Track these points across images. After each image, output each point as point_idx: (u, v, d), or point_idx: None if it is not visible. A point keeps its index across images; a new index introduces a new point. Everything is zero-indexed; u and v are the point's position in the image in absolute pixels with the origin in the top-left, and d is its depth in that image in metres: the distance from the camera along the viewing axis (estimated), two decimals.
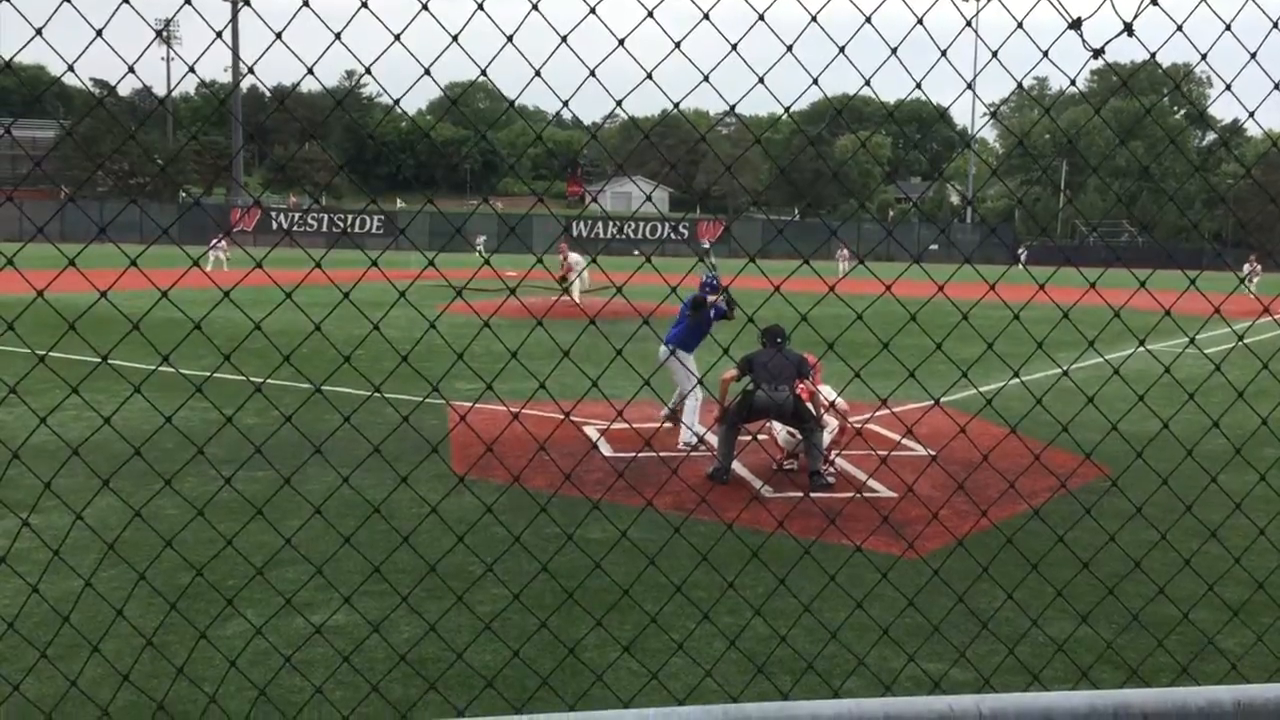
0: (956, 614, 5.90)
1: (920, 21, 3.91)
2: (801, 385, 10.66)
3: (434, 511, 3.19)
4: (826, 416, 10.69)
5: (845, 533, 7.05)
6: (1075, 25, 3.87)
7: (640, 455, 10.42)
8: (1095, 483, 9.21)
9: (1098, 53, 4.00)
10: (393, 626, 5.72)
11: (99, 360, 7.25)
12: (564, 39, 3.56)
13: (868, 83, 3.95)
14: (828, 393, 10.91)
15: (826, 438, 10.64)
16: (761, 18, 3.70)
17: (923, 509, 8.36)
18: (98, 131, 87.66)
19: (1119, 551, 5.62)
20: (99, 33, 3.20)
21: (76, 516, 2.98)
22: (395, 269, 4.27)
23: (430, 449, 3.33)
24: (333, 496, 6.28)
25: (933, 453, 9.58)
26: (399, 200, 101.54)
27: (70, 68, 3.07)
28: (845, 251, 55.41)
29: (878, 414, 12.30)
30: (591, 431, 11.46)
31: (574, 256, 30.62)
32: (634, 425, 8.63)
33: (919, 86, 3.94)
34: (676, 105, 3.44)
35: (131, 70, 3.16)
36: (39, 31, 3.18)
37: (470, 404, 10.21)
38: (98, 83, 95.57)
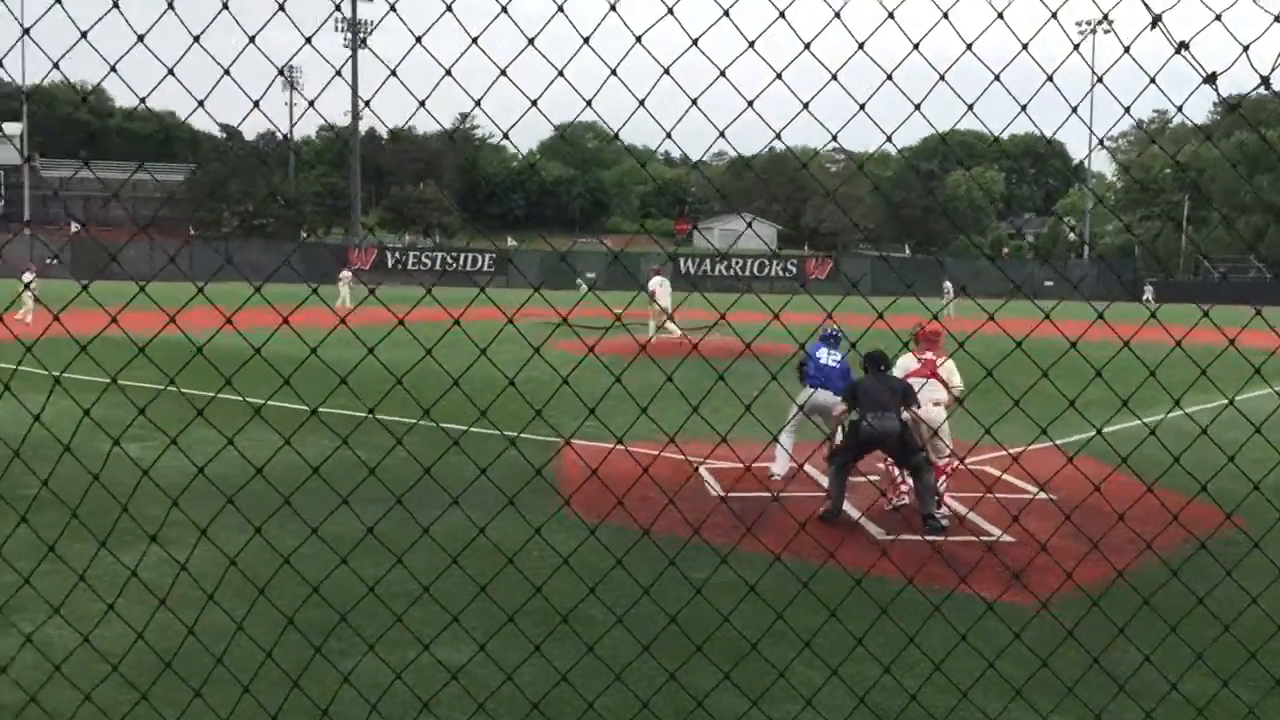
0: (1070, 662, 5.65)
1: (1024, 47, 3.78)
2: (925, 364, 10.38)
3: (565, 563, 3.15)
4: (938, 442, 10.42)
5: (970, 584, 6.82)
6: (1182, 48, 3.71)
7: (753, 496, 10.28)
8: (1227, 533, 8.79)
9: (1210, 78, 3.82)
10: (513, 668, 5.69)
11: (219, 397, 7.42)
12: (665, 70, 3.53)
13: (970, 108, 3.84)
14: (951, 371, 10.51)
15: (942, 463, 10.30)
16: (861, 47, 3.62)
17: (1040, 555, 8.06)
18: (224, 174, 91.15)
19: (1256, 608, 5.33)
20: (226, 71, 3.27)
21: (230, 562, 3.01)
22: (508, 307, 4.28)
23: (560, 498, 3.30)
24: (449, 536, 6.30)
25: (1053, 496, 9.28)
26: (510, 239, 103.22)
27: (199, 103, 3.15)
28: (949, 285, 54.33)
29: (991, 455, 11.97)
30: (703, 471, 11.37)
31: (655, 282, 29.69)
32: (748, 466, 8.51)
33: (1023, 110, 3.81)
34: (778, 134, 3.38)
35: (257, 105, 3.22)
36: (140, 40, 3.26)
37: (583, 443, 10.21)
38: (224, 128, 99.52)
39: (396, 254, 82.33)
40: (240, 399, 5.78)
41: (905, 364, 10.45)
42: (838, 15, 3.45)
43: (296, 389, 3.82)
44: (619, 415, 10.64)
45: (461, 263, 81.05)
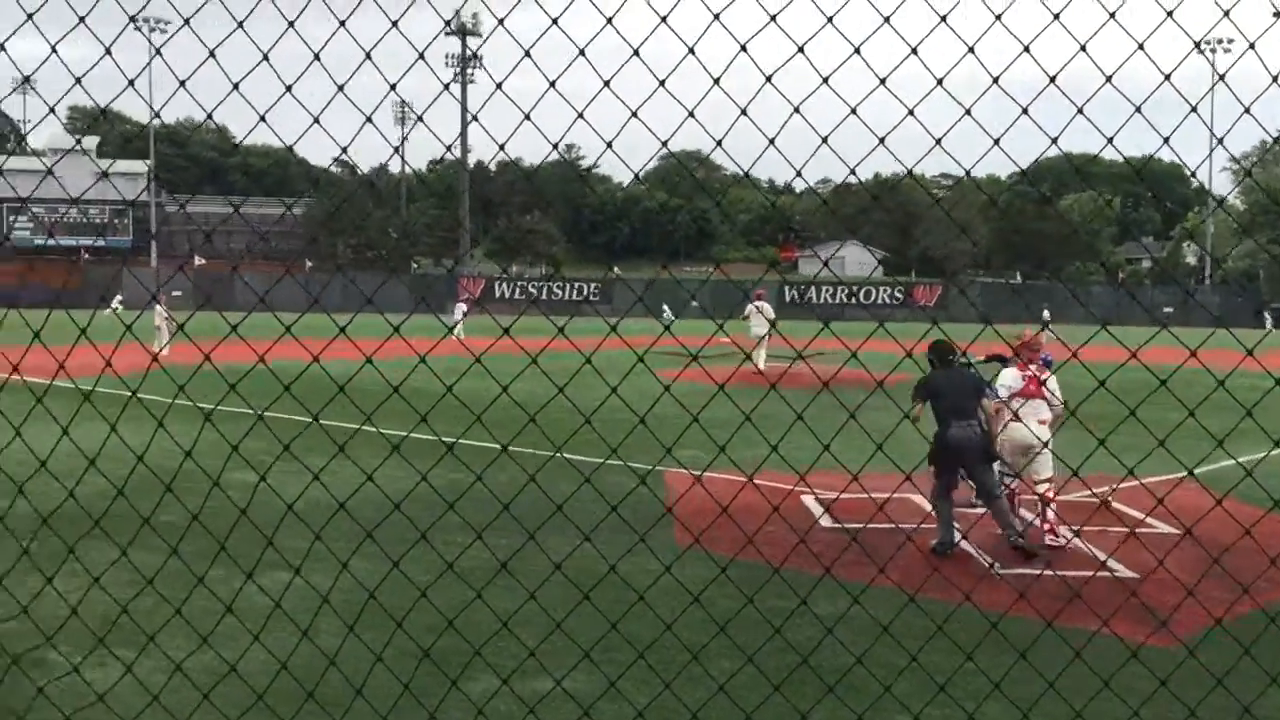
0: (1218, 709, 5.41)
1: (1152, 57, 3.68)
2: (1029, 380, 10.03)
3: (696, 600, 3.14)
4: (1040, 461, 9.93)
5: (1108, 625, 6.59)
6: None
7: (866, 527, 10.11)
8: None
9: None
10: (628, 697, 5.69)
11: (344, 426, 7.60)
12: (770, 82, 3.54)
13: (1083, 114, 3.73)
14: (1054, 388, 9.98)
15: (1044, 486, 9.88)
16: (983, 63, 3.58)
17: (1169, 592, 7.78)
18: (339, 209, 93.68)
19: None
20: (340, 87, 3.37)
21: (370, 595, 3.08)
22: (612, 336, 4.29)
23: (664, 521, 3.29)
24: (534, 562, 6.33)
25: (1185, 528, 8.92)
26: (614, 268, 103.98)
27: (320, 118, 3.24)
28: (1047, 312, 52.81)
29: (1119, 487, 11.59)
30: (811, 502, 11.24)
31: (750, 308, 28.72)
32: (870, 496, 8.40)
33: (1165, 142, 3.69)
34: (883, 139, 3.34)
35: (371, 126, 3.31)
36: (289, 90, 3.36)
37: (694, 473, 10.16)
38: (339, 163, 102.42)
39: (504, 284, 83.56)
40: (371, 429, 5.91)
41: (1010, 381, 10.14)
42: (944, 20, 3.41)
43: (424, 421, 3.89)
44: (733, 448, 10.61)
45: (567, 292, 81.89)
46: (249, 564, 7.74)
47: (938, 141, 3.75)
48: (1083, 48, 3.60)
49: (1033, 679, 5.41)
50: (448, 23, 4.03)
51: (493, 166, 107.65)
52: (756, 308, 28.21)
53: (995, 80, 3.69)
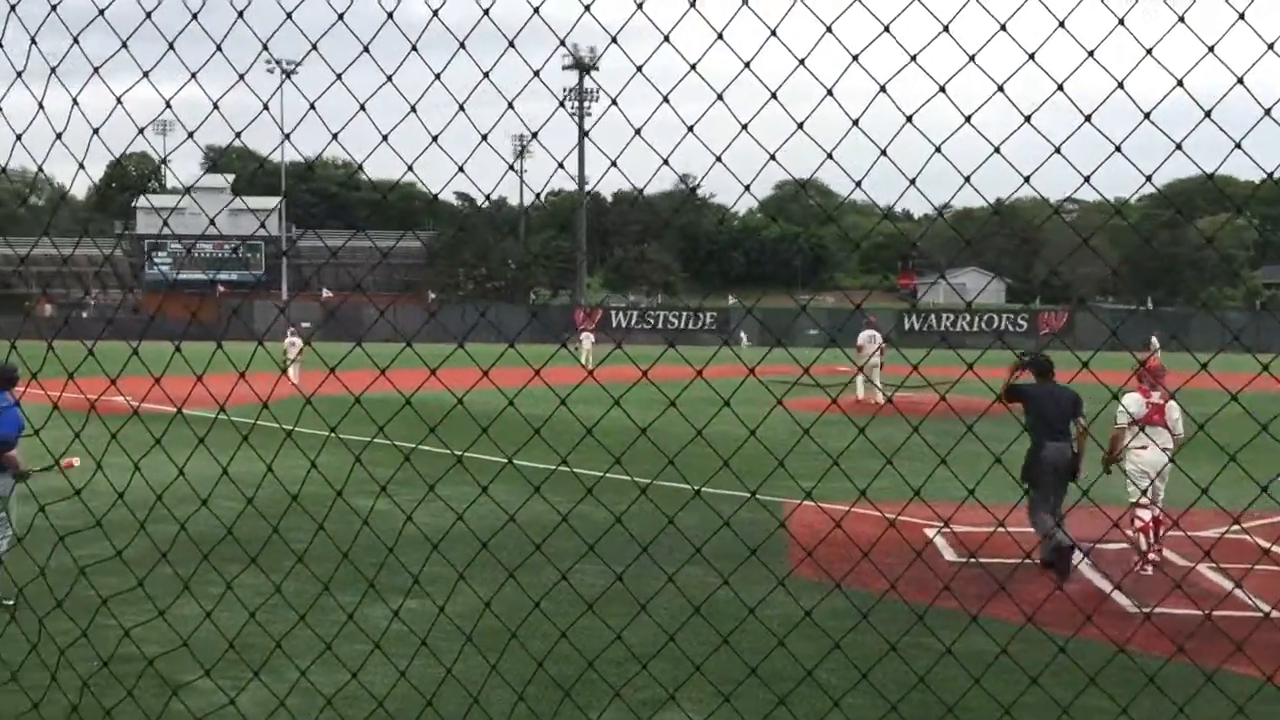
0: None
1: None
2: (1151, 403, 10.10)
3: (808, 616, 3.09)
4: (1158, 486, 9.92)
5: (1239, 662, 6.28)
6: None
7: (994, 561, 9.85)
8: None
9: None
10: None
11: (465, 454, 7.70)
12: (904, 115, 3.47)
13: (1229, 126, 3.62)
14: (1177, 414, 10.00)
15: (1144, 515, 9.81)
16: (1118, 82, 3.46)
17: None
18: (460, 240, 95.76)
19: None
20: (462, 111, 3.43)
21: (485, 605, 3.10)
22: (728, 364, 4.27)
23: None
24: (663, 596, 6.29)
25: None
26: (730, 297, 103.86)
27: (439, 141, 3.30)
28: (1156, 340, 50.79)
29: (1258, 523, 11.07)
30: (931, 533, 11.00)
31: (863, 337, 27.87)
32: (1007, 529, 8.18)
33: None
34: (1001, 150, 3.25)
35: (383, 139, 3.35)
36: (415, 116, 3.44)
37: (808, 503, 10.03)
38: (460, 195, 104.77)
39: (620, 314, 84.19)
40: (485, 457, 5.98)
41: (1133, 406, 10.13)
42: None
43: (540, 445, 3.92)
44: (842, 477, 10.46)
45: (683, 321, 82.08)
46: (380, 590, 7.90)
47: (1086, 179, 3.65)
48: (1241, 79, 3.47)
49: (1158, 715, 5.17)
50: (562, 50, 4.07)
51: (609, 197, 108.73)
52: (867, 338, 27.30)
53: (1147, 115, 3.58)
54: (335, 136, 3.18)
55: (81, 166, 3.57)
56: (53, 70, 3.38)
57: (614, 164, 3.80)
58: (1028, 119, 3.35)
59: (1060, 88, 3.38)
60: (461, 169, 3.30)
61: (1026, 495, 9.65)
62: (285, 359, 29.82)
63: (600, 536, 4.85)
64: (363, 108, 3.17)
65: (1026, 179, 3.46)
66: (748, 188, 3.37)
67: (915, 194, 3.71)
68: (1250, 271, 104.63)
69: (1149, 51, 3.29)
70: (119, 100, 3.43)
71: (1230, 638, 5.58)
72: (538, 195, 3.33)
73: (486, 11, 3.43)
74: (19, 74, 3.25)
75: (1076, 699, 5.39)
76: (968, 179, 3.41)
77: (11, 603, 8.59)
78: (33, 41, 3.34)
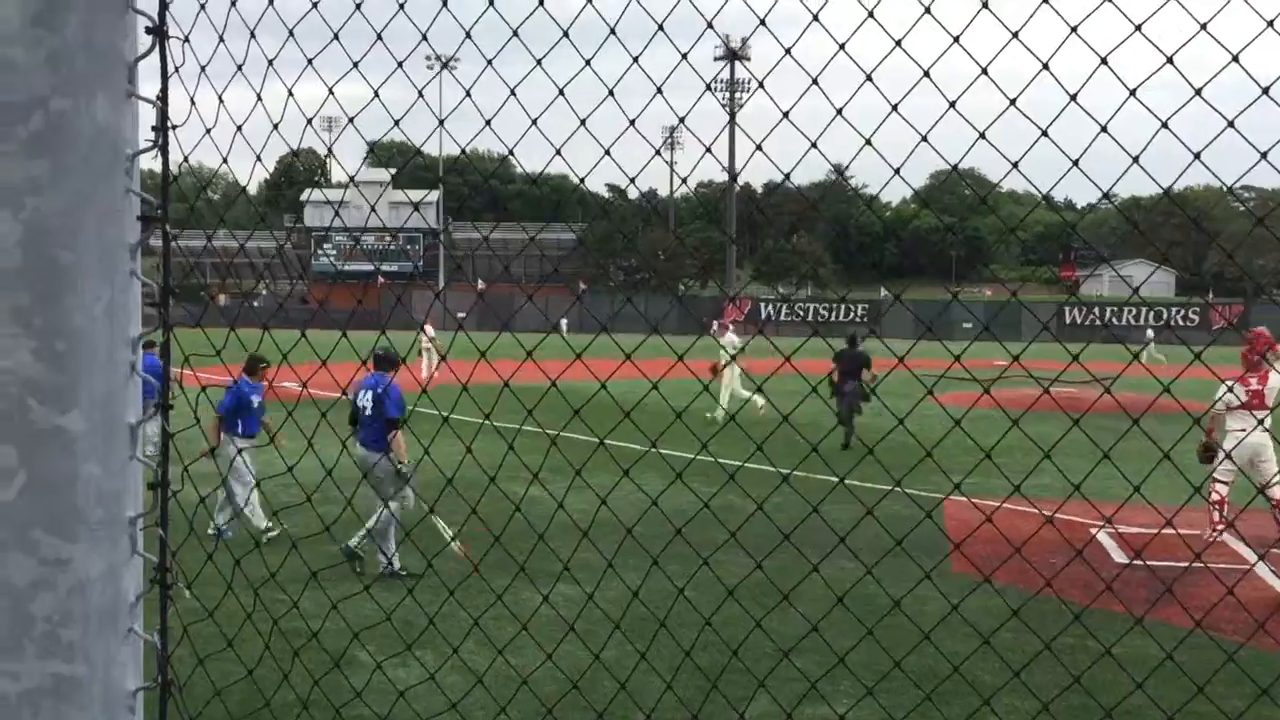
0: None
1: None
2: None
3: (987, 643, 3.00)
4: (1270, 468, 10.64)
5: None
6: None
7: (1160, 564, 9.44)
8: None
9: None
10: None
11: (608, 442, 7.77)
12: (1072, 98, 3.33)
13: None
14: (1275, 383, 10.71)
15: (1222, 490, 10.62)
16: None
17: None
18: (610, 231, 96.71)
19: None
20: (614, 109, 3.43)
21: (634, 594, 3.12)
22: (878, 358, 4.18)
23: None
24: (811, 589, 6.23)
25: None
26: (882, 289, 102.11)
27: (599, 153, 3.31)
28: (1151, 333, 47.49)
29: None
30: (1103, 538, 10.59)
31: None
32: (1178, 532, 7.83)
33: None
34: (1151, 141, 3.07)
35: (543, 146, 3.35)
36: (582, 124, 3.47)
37: (965, 500, 9.79)
38: (610, 188, 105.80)
39: (770, 305, 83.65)
40: (624, 444, 6.02)
41: (1229, 396, 10.59)
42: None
43: (681, 437, 3.91)
44: (1009, 473, 10.16)
45: (834, 313, 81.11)
46: (532, 575, 8.06)
47: (1263, 155, 3.45)
48: None
49: None
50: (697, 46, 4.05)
51: (759, 188, 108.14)
52: (731, 343, 21.57)
53: None
54: (488, 123, 3.23)
55: (259, 158, 3.71)
56: (239, 68, 3.53)
57: (759, 147, 3.76)
58: (1198, 92, 3.17)
59: (1235, 58, 3.20)
60: (608, 153, 3.31)
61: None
62: (420, 349, 30.13)
63: (741, 525, 4.83)
64: (513, 93, 3.21)
65: (1196, 155, 3.28)
66: (897, 170, 3.28)
67: (1078, 183, 3.57)
68: None
69: None
70: (290, 94, 3.56)
71: None
72: (683, 180, 3.30)
73: None
74: (203, 68, 3.39)
75: (1248, 709, 5.12)
76: (1135, 159, 3.25)
77: (275, 533, 9.39)
78: (221, 40, 3.47)
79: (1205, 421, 10.54)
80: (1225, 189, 3.54)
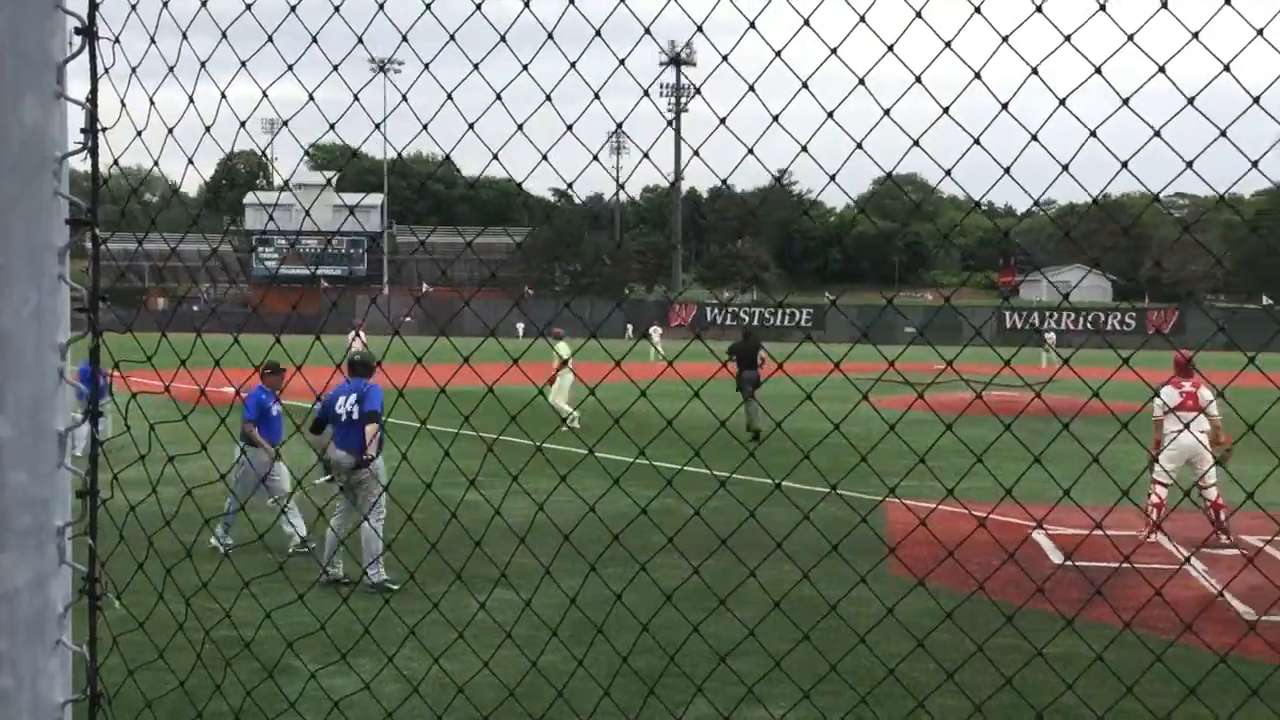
0: None
1: None
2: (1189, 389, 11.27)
3: (920, 645, 3.05)
4: (1211, 473, 10.95)
5: None
6: None
7: (1095, 565, 9.62)
8: None
9: None
10: None
11: (547, 446, 7.75)
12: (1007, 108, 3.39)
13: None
14: (1210, 399, 11.23)
15: (1161, 493, 11.03)
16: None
17: None
18: (554, 237, 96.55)
19: None
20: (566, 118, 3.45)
21: (570, 600, 3.13)
22: (822, 362, 4.22)
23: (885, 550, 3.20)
24: (748, 592, 6.27)
25: None
26: (826, 293, 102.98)
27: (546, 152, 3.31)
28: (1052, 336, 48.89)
29: None
30: (1041, 539, 10.77)
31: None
32: (1108, 533, 7.97)
33: None
34: (1085, 148, 3.15)
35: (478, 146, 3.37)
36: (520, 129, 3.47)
37: (908, 502, 9.92)
38: (556, 192, 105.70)
39: (715, 310, 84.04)
40: (565, 449, 6.03)
41: (1169, 397, 11.17)
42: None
43: (620, 439, 3.93)
44: (946, 476, 10.30)
45: (779, 318, 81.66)
46: (470, 581, 8.03)
47: (1189, 164, 3.54)
48: None
49: None
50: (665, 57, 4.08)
51: (705, 193, 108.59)
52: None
53: (1256, 101, 3.45)
54: (425, 127, 3.22)
55: (191, 161, 3.66)
56: (170, 70, 3.48)
57: (696, 152, 3.78)
58: (1125, 102, 3.25)
59: (1162, 69, 3.28)
60: (545, 157, 3.32)
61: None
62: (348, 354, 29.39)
63: (679, 529, 4.86)
64: (450, 96, 3.21)
65: (1124, 164, 3.36)
66: (833, 177, 3.32)
67: (1018, 190, 3.62)
68: None
69: (1260, 33, 3.17)
70: (223, 95, 3.52)
71: None
72: (621, 185, 3.32)
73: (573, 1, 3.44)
74: (134, 69, 3.35)
75: (1177, 708, 5.23)
76: (1065, 167, 3.32)
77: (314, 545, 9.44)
78: (152, 41, 3.43)
79: (1147, 428, 10.83)
80: (1152, 196, 3.62)
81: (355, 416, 9.39)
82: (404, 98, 3.38)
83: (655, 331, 48.34)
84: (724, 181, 3.36)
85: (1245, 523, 10.97)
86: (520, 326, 64.85)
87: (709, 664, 6.49)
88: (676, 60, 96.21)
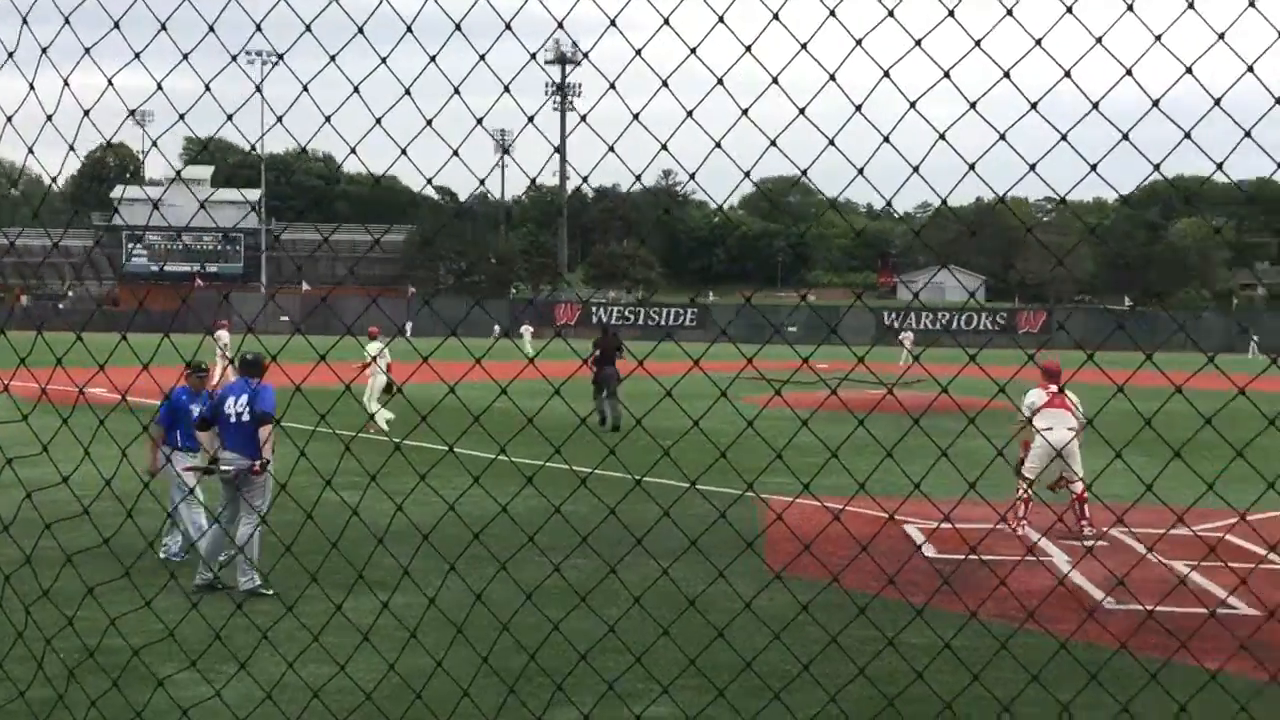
0: None
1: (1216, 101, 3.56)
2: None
3: (777, 638, 3.08)
4: (1076, 467, 11.58)
5: (1194, 655, 6.33)
6: None
7: (968, 558, 9.88)
8: None
9: None
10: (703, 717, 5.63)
11: (420, 445, 7.67)
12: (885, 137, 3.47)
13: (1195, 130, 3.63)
14: (1076, 400, 11.74)
15: (1078, 486, 11.51)
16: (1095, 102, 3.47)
17: (1272, 626, 7.42)
18: (440, 234, 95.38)
19: None
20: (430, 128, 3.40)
21: (430, 601, 3.08)
22: (707, 362, 4.27)
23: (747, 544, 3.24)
24: (658, 589, 6.29)
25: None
26: (710, 293, 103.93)
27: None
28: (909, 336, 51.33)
29: (1228, 521, 11.16)
30: (914, 531, 11.03)
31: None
32: (962, 526, 8.20)
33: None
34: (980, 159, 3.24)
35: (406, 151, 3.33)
36: (378, 122, 3.41)
37: (779, 499, 10.08)
38: (440, 190, 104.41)
39: (601, 310, 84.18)
40: (434, 447, 5.95)
41: (1034, 399, 11.90)
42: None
43: (486, 436, 3.90)
44: (831, 475, 10.49)
45: (663, 317, 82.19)
46: (379, 585, 7.90)
47: (1032, 167, 3.65)
48: (1188, 70, 3.48)
49: (1110, 706, 5.20)
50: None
51: (590, 192, 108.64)
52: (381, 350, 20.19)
53: (1095, 106, 3.58)
54: (280, 119, 3.14)
55: (72, 148, 3.51)
56: (44, 50, 3.33)
57: (555, 151, 3.76)
58: (973, 106, 3.35)
59: (1006, 74, 3.38)
60: (404, 152, 3.27)
61: None
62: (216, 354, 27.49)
63: (540, 526, 4.84)
64: (305, 88, 3.14)
65: (971, 166, 3.46)
66: (692, 175, 3.34)
67: (891, 192, 3.70)
68: (1228, 272, 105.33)
69: (1099, 40, 3.30)
70: (110, 83, 3.38)
71: (1174, 633, 5.62)
72: (482, 181, 3.29)
73: None
74: (10, 54, 3.19)
75: (1019, 694, 5.41)
76: (915, 168, 3.41)
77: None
78: (24, 23, 3.29)
79: (1014, 428, 11.11)
80: (998, 198, 3.74)
81: (246, 418, 9.14)
82: (258, 89, 3.31)
83: (526, 330, 48.66)
84: (577, 180, 3.36)
85: (1108, 515, 11.42)
86: (409, 326, 64.09)
87: (623, 663, 6.51)
88: (562, 60, 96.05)
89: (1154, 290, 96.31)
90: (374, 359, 17.91)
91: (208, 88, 3.21)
